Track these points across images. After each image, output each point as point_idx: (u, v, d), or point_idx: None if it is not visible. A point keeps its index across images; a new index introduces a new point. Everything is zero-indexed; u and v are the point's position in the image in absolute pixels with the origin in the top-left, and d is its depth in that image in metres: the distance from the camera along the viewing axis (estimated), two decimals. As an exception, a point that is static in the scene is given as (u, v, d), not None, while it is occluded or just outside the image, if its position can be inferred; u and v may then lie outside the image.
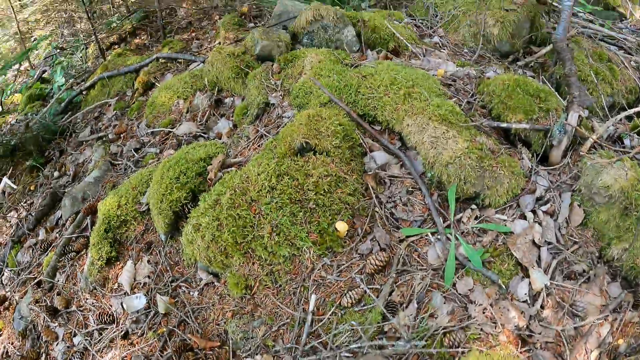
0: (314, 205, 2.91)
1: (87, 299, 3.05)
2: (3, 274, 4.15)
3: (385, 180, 3.23)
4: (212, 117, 4.34)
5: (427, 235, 2.97)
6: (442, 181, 3.10)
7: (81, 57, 6.14)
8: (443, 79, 3.75)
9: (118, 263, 3.21)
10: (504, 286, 2.39)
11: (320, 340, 2.33)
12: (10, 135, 5.05)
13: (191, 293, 2.83)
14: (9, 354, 3.35)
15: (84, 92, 5.38)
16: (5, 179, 4.61)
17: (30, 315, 3.19)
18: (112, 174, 4.24)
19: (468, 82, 3.79)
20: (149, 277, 3.02)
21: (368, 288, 2.65)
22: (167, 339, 2.72)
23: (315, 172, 2.99)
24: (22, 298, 3.65)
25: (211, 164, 3.48)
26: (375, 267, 2.68)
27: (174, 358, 2.69)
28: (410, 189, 3.19)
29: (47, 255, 3.78)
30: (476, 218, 3.06)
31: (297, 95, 3.78)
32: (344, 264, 2.80)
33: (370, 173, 3.19)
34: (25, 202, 4.61)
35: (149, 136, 4.47)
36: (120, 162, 4.33)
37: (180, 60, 4.68)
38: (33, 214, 4.33)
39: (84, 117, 5.36)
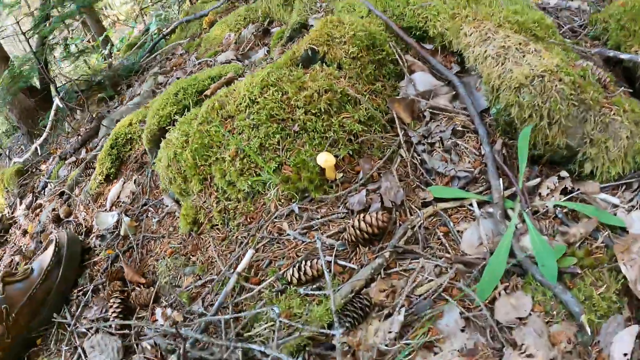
0: (299, 129, 1.99)
1: (81, 211, 3.00)
2: (47, 186, 4.25)
3: (424, 113, 2.11)
4: (256, 47, 3.74)
5: (470, 205, 1.78)
6: (511, 121, 1.85)
7: (178, 9, 6.23)
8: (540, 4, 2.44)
9: (115, 180, 3.07)
10: (589, 329, 1.16)
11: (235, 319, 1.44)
12: (93, 73, 5.28)
13: (153, 219, 2.29)
14: (22, 251, 3.39)
15: (166, 37, 5.27)
16: (56, 100, 4.77)
17: (45, 221, 3.29)
18: (150, 100, 3.96)
19: (577, 14, 2.42)
20: (128, 197, 2.78)
21: (335, 264, 1.63)
22: (111, 263, 2.38)
23: (313, 86, 2.06)
24: (48, 205, 3.67)
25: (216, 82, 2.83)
26: (362, 233, 1.64)
27: (105, 283, 2.23)
28: (461, 130, 2.01)
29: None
30: (565, 192, 1.75)
31: (339, 12, 2.87)
32: (317, 218, 1.82)
33: (403, 99, 2.11)
34: (85, 128, 4.70)
35: (195, 67, 4.10)
36: (161, 90, 4.04)
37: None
38: (81, 136, 4.33)
39: (158, 58, 5.34)
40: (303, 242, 1.75)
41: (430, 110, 2.10)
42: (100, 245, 2.57)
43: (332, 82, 2.08)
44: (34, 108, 5.64)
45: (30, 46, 4.96)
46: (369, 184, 1.87)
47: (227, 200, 2.09)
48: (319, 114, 2.01)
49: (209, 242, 2.05)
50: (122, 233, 2.46)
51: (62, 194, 3.71)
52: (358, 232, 1.64)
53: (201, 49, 4.35)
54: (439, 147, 2.00)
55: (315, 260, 1.64)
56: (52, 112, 5.04)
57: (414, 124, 2.10)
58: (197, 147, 2.18)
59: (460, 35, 2.09)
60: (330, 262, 1.63)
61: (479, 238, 1.63)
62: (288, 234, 1.80)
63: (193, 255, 2.10)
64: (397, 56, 2.27)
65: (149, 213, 2.54)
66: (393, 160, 1.98)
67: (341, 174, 1.92)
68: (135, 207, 2.63)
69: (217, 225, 2.09)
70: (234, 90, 2.31)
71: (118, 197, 2.85)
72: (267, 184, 1.95)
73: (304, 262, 1.65)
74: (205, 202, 2.18)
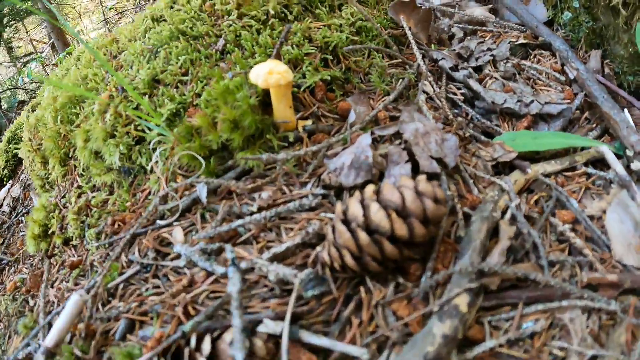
0: (225, 46, 1.03)
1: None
2: None
3: (452, 30, 1.16)
4: None
5: (586, 164, 0.81)
6: (601, 27, 0.90)
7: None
8: None
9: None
10: None
11: None
12: None
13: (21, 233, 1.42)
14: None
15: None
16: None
17: None
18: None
19: None
20: (10, 204, 2.09)
21: (296, 347, 0.62)
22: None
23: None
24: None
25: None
26: (374, 243, 0.66)
27: None
28: (521, 48, 1.05)
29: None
30: None
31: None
32: (250, 212, 0.81)
33: (413, 5, 1.16)
34: None
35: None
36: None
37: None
38: None
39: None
40: (209, 274, 0.74)
41: (461, 25, 1.16)
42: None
43: None
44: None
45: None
46: (375, 130, 0.87)
47: (92, 190, 1.10)
48: (263, 21, 1.06)
49: (55, 273, 1.04)
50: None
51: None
52: (361, 238, 0.62)
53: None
54: (494, 72, 1.03)
55: (226, 335, 0.62)
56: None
57: (435, 46, 1.14)
58: (64, 103, 1.23)
59: None
60: (278, 342, 0.61)
61: (636, 227, 0.61)
62: (178, 254, 0.79)
63: (35, 295, 1.10)
64: None
65: (22, 225, 1.62)
66: (410, 98, 1.00)
67: (310, 121, 0.93)
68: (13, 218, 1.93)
69: (73, 238, 1.09)
70: (140, 17, 1.37)
71: (0, 206, 2.15)
72: (154, 149, 0.96)
73: (196, 339, 0.62)
74: (64, 196, 1.19)
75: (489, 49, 1.11)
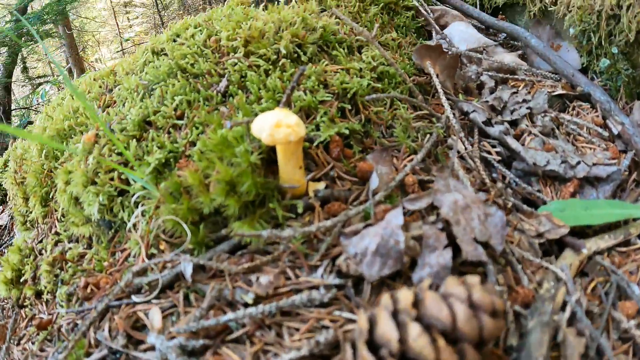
0: (228, 87, 0.90)
1: None
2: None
3: (480, 78, 1.03)
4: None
5: None
6: None
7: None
8: None
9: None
10: None
11: None
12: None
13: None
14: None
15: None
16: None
17: None
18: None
19: None
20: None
21: None
22: None
23: (268, 19, 1.02)
24: None
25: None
26: None
27: None
28: (559, 99, 0.92)
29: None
30: None
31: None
32: (244, 304, 0.65)
33: (439, 50, 1.03)
34: None
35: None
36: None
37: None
38: None
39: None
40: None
41: (490, 73, 1.03)
42: None
43: (306, 16, 1.02)
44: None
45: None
46: (404, 202, 0.72)
47: (70, 240, 0.96)
48: (273, 61, 0.93)
49: (23, 328, 0.89)
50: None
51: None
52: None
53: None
54: (531, 127, 0.89)
55: None
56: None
57: (463, 96, 1.00)
58: (51, 136, 1.10)
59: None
60: None
61: None
62: (152, 346, 0.63)
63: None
64: (416, 2, 1.25)
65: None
66: (439, 157, 0.86)
67: (323, 184, 0.78)
68: (-1, 250, 1.77)
69: (45, 291, 0.94)
70: (141, 48, 1.26)
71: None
72: (136, 204, 0.82)
73: None
74: (41, 240, 1.04)
75: (525, 101, 0.97)
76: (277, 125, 0.66)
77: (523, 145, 0.90)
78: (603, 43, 1.05)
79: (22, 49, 4.95)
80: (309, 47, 0.97)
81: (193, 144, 0.84)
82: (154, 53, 1.11)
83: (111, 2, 7.73)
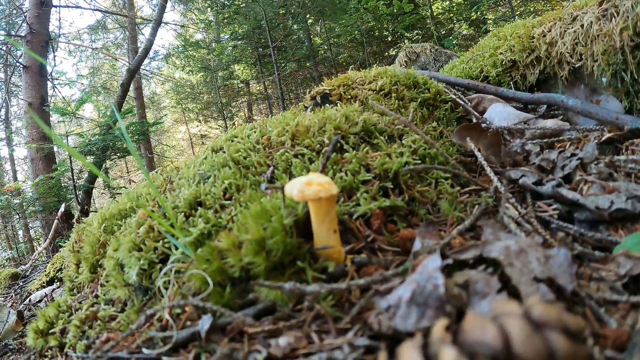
0: (274, 174, 0.98)
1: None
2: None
3: (524, 149, 1.06)
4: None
5: None
6: None
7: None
8: None
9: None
10: None
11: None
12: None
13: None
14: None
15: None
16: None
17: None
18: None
19: None
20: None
21: None
22: None
23: (314, 117, 1.16)
24: None
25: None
26: None
27: None
28: (608, 144, 0.90)
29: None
30: None
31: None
32: None
33: (479, 128, 1.10)
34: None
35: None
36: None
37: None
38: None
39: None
40: None
41: (535, 141, 1.04)
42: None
43: (350, 112, 1.16)
44: (59, 229, 5.16)
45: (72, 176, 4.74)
46: (448, 253, 0.68)
47: (107, 303, 0.96)
48: (317, 150, 1.02)
49: None
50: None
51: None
52: None
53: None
54: (586, 176, 0.84)
55: None
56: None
57: (504, 158, 1.01)
58: (112, 214, 1.21)
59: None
60: None
61: None
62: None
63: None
64: (452, 95, 1.37)
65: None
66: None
67: (363, 256, 0.76)
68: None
69: (69, 344, 0.91)
70: (203, 148, 1.45)
71: (39, 302, 2.08)
72: (171, 270, 0.83)
73: None
74: (81, 302, 1.05)
75: (573, 155, 0.94)
76: (308, 184, 0.67)
77: (581, 194, 0.83)
78: (637, 77, 1.05)
79: (105, 160, 5.71)
80: (351, 137, 1.06)
81: (235, 217, 0.88)
82: (214, 151, 1.26)
83: (189, 133, 9.01)
